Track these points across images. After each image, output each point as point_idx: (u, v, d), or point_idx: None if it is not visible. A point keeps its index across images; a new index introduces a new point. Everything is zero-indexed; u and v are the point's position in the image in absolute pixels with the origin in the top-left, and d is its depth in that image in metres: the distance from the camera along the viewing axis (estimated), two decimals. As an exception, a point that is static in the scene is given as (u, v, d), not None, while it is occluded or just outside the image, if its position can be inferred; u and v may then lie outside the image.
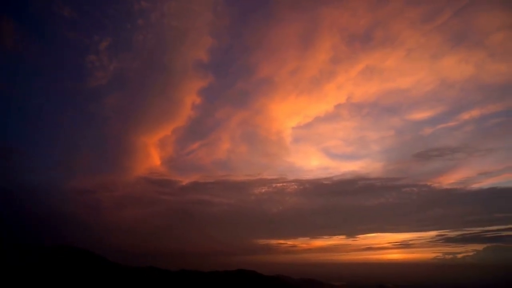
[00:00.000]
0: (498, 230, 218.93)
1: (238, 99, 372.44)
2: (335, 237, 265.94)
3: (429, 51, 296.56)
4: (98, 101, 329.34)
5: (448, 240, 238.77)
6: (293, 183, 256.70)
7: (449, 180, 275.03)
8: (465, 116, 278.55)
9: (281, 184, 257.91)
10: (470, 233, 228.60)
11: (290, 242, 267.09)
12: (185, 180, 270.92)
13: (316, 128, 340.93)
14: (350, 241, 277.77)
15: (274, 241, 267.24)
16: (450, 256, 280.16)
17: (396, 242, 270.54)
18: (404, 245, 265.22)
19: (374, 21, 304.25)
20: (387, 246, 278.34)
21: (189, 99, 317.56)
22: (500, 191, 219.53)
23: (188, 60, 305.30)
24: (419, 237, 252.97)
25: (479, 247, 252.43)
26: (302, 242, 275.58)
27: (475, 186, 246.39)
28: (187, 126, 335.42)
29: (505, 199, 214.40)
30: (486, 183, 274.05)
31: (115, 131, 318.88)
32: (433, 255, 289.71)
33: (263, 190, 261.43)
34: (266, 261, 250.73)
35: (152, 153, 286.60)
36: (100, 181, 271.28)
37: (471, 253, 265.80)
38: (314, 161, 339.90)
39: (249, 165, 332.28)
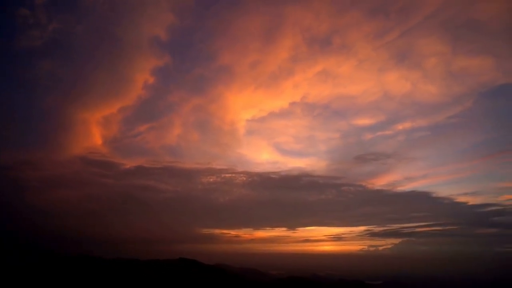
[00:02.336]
0: (412, 227, 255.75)
1: (194, 84, 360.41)
2: (276, 229, 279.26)
3: (377, 65, 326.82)
4: (30, 65, 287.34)
5: (373, 235, 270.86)
6: (242, 175, 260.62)
7: (381, 182, 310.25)
8: (399, 127, 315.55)
9: (230, 175, 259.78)
10: (391, 229, 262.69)
11: (233, 232, 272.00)
12: (129, 164, 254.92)
13: (269, 122, 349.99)
14: (290, 233, 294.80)
15: (217, 231, 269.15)
16: (373, 248, 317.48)
17: (330, 235, 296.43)
18: (337, 238, 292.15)
19: (334, 27, 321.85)
20: (322, 238, 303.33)
21: (141, 77, 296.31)
22: (417, 194, 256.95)
23: (144, 35, 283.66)
24: (350, 231, 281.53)
25: (397, 241, 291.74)
26: (245, 233, 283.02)
27: (400, 188, 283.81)
28: (136, 106, 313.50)
29: (421, 201, 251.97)
30: (408, 187, 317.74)
31: (50, 102, 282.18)
32: (360, 247, 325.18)
33: (211, 180, 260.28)
34: (209, 250, 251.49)
35: (93, 131, 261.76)
36: (26, 157, 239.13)
37: (389, 246, 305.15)
38: (264, 155, 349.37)
39: (199, 153, 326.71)
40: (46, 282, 63.74)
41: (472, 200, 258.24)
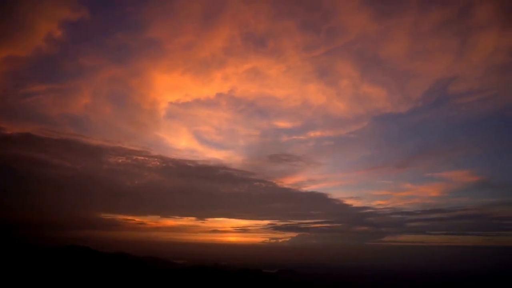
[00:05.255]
0: (308, 223, 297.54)
1: (115, 51, 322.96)
2: (185, 218, 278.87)
3: (301, 75, 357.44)
4: None
5: (276, 228, 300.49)
6: (156, 159, 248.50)
7: (289, 181, 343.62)
8: (311, 134, 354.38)
9: (142, 158, 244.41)
10: (291, 224, 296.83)
11: (138, 219, 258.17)
12: (12, 129, 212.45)
13: (193, 109, 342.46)
14: (199, 223, 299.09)
15: (120, 217, 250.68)
16: (274, 240, 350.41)
17: (237, 227, 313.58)
18: (243, 230, 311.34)
19: (270, 30, 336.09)
20: (230, 230, 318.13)
21: (45, 27, 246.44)
22: (316, 195, 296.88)
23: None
24: (256, 224, 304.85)
25: (294, 234, 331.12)
26: (151, 220, 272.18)
27: (304, 189, 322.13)
28: (32, 59, 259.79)
29: (318, 201, 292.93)
30: (310, 188, 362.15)
31: None
32: (262, 239, 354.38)
33: (120, 160, 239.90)
34: (109, 238, 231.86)
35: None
36: None
37: (288, 239, 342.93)
38: (183, 142, 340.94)
39: (109, 129, 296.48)
40: None
41: (355, 203, 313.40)
